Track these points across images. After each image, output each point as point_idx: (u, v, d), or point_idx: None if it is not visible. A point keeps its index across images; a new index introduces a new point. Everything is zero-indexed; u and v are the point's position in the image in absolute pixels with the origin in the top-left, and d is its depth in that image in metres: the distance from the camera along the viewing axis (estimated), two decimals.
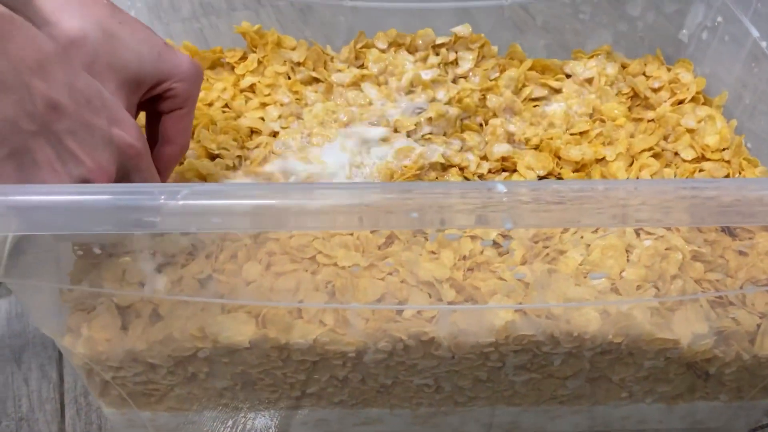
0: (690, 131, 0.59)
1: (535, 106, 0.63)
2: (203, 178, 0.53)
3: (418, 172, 0.55)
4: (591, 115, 0.62)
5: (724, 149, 0.58)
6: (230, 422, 0.51)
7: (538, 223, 0.35)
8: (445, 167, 0.57)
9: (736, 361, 0.47)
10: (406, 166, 0.55)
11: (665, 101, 0.63)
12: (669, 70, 0.66)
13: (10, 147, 0.35)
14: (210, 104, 0.61)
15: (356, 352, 0.44)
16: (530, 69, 0.65)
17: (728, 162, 0.57)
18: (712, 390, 0.50)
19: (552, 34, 0.67)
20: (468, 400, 0.49)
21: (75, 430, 0.54)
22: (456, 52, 0.65)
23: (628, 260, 0.48)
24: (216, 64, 0.65)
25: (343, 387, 0.47)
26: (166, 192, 0.33)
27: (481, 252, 0.48)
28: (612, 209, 0.33)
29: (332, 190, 0.35)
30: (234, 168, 0.55)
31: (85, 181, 0.38)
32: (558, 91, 0.64)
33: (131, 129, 0.40)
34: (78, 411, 0.55)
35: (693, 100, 0.63)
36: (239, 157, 0.56)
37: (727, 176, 0.56)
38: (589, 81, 0.64)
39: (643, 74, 0.66)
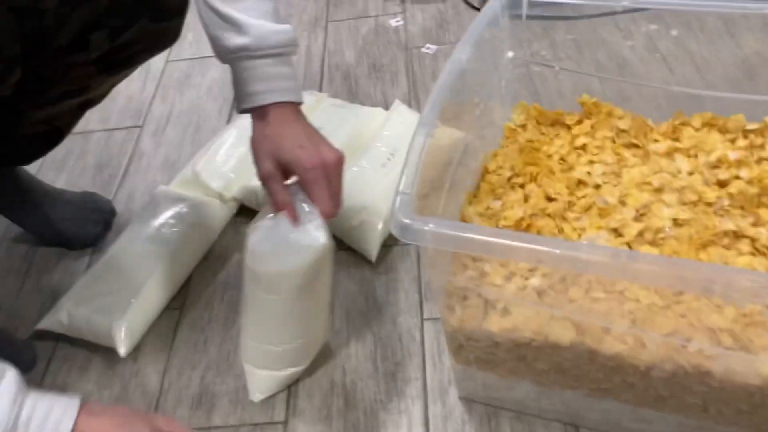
0: None
1: None
2: (548, 215, 0.73)
3: (712, 237, 0.69)
4: None
5: None
6: (536, 393, 0.71)
7: None
8: (737, 236, 0.70)
9: None
10: (703, 231, 0.69)
11: None
12: None
13: None
14: (550, 156, 0.80)
15: (646, 367, 0.61)
16: None
17: None
18: None
19: None
20: (728, 425, 0.63)
21: (433, 378, 0.78)
22: (764, 138, 0.77)
23: None
24: (556, 123, 0.85)
25: (629, 390, 0.64)
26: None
27: (759, 313, 0.61)
28: None
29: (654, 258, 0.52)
30: (565, 210, 0.74)
31: None
32: None
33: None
34: (434, 366, 0.79)
35: None
36: (569, 202, 0.75)
37: None
38: None
39: None
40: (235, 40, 0.69)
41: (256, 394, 0.80)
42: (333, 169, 0.69)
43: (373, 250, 0.91)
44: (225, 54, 0.70)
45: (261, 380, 0.79)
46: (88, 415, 0.54)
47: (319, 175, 0.68)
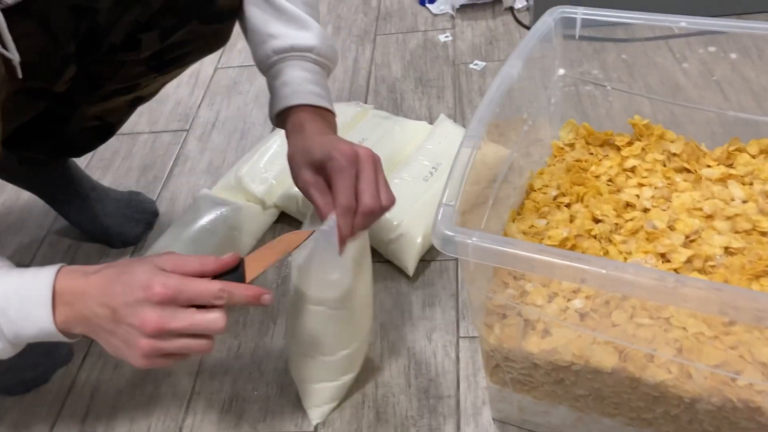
0: None
1: None
2: (593, 236, 0.71)
3: (766, 268, 0.66)
4: None
5: None
6: (573, 419, 0.68)
7: None
8: None
9: None
10: (757, 261, 0.67)
11: None
12: None
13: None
14: (598, 177, 0.79)
15: (691, 399, 0.59)
16: None
17: None
18: None
19: None
20: None
21: (466, 398, 0.77)
22: None
23: None
24: (605, 143, 0.83)
25: (672, 422, 0.62)
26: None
27: None
28: None
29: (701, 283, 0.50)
30: (611, 232, 0.72)
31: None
32: None
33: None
34: (468, 385, 0.78)
35: None
36: (616, 224, 0.73)
37: None
38: None
39: None
40: (308, 39, 0.71)
41: (314, 409, 0.77)
42: (365, 161, 0.65)
43: (410, 264, 0.90)
44: (284, 52, 0.71)
45: (318, 395, 0.77)
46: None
47: (344, 164, 0.64)
